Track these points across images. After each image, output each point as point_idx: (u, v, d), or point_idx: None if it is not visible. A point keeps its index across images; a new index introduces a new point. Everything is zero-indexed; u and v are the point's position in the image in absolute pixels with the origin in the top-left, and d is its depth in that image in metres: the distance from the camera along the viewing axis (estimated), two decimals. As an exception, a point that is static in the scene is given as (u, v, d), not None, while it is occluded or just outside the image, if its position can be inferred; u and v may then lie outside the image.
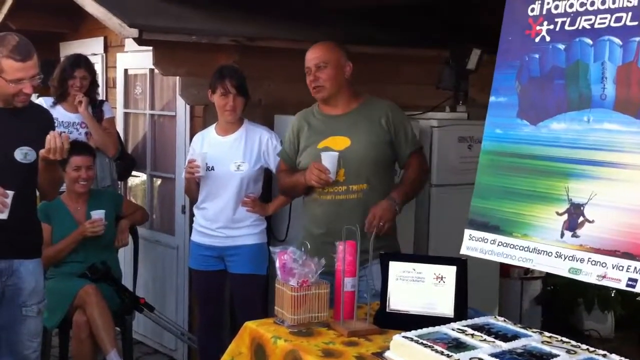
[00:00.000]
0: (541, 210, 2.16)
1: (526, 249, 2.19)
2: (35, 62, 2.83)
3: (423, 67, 4.59)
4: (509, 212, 2.25)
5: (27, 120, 2.93)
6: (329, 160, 2.98)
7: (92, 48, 5.30)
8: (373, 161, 3.05)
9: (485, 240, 2.31)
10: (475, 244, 2.34)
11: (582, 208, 2.06)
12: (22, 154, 2.90)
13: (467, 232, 2.37)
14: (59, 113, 4.22)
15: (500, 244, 2.26)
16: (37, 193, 3.15)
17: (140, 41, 3.77)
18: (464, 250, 2.37)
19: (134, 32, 3.69)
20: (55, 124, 4.11)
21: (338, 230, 2.55)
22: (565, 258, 2.09)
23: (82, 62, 4.38)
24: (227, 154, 3.57)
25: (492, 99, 2.37)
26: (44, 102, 4.18)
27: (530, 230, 2.19)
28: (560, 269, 2.10)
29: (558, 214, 2.12)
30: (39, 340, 3.10)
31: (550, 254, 2.13)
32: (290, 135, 3.26)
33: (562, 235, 2.10)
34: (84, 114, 4.28)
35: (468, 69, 4.15)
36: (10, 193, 2.76)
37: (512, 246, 2.23)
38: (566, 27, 2.16)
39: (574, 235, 2.07)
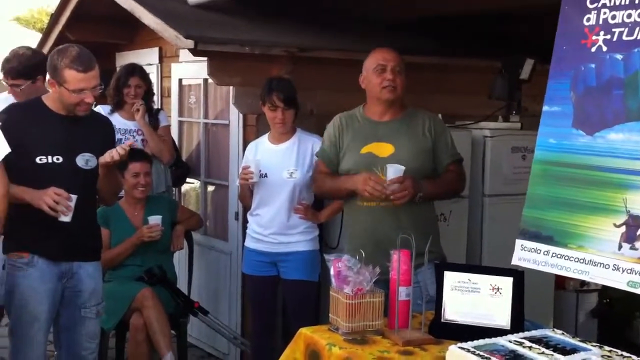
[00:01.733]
0: (598, 221, 2.14)
1: (582, 261, 2.17)
2: (97, 73, 2.92)
3: (474, 77, 4.57)
4: (563, 223, 2.23)
5: (89, 127, 3.02)
6: (394, 173, 2.94)
7: (147, 58, 5.42)
8: (416, 169, 3.04)
9: (539, 251, 2.29)
10: (528, 255, 2.32)
11: (641, 220, 2.03)
12: (83, 160, 2.99)
13: (519, 242, 2.35)
14: (116, 120, 4.32)
15: (554, 255, 2.24)
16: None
17: (195, 52, 3.86)
18: (515, 261, 2.36)
19: (190, 43, 3.77)
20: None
21: (380, 237, 2.55)
22: (623, 271, 2.06)
23: (136, 71, 4.50)
24: (280, 162, 3.62)
25: (545, 108, 2.36)
26: (102, 109, 4.30)
27: (586, 241, 2.16)
28: (619, 282, 2.07)
29: (615, 225, 2.09)
30: (97, 342, 3.19)
31: (607, 267, 2.10)
32: (332, 137, 3.22)
33: (620, 247, 2.07)
34: (140, 122, 4.39)
35: (521, 79, 4.12)
36: (74, 197, 2.85)
37: (567, 257, 2.21)
38: (624, 37, 2.14)
39: (632, 248, 2.05)
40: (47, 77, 2.95)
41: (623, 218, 2.08)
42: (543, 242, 2.28)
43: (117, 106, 4.45)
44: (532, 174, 2.37)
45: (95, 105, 4.47)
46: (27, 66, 3.80)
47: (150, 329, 3.72)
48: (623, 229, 2.08)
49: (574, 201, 2.22)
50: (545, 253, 2.27)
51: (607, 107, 2.17)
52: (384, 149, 3.08)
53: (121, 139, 4.33)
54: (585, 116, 2.23)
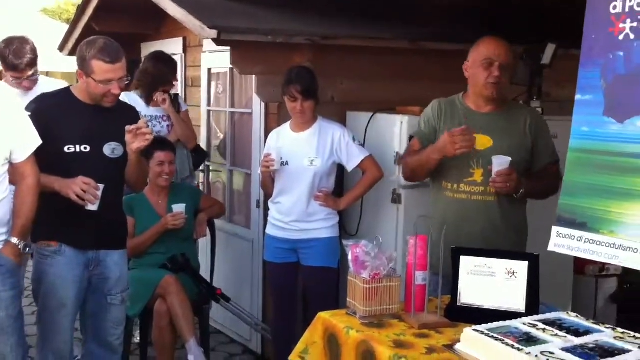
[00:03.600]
0: (628, 207, 2.17)
1: (612, 246, 2.19)
2: (124, 65, 2.97)
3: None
4: (597, 210, 2.26)
5: (115, 116, 3.06)
6: (500, 165, 2.87)
7: (172, 48, 5.49)
8: (512, 165, 2.91)
9: (573, 237, 2.32)
10: (563, 241, 2.35)
11: (670, 205, 2.04)
12: (110, 149, 3.05)
13: (555, 229, 2.38)
14: (142, 107, 4.39)
15: (587, 240, 2.28)
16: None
17: (218, 42, 3.90)
18: (551, 247, 2.39)
19: (213, 33, 3.81)
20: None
21: (466, 233, 2.55)
22: None
23: (175, 63, 4.63)
24: (301, 150, 3.66)
25: (577, 97, 2.37)
26: (126, 97, 4.32)
27: (617, 227, 2.19)
28: None
29: None
30: (122, 328, 3.26)
31: (636, 251, 2.13)
32: (431, 118, 3.09)
33: None
34: (169, 109, 4.46)
35: (542, 64, 4.10)
36: (101, 186, 2.91)
37: (598, 243, 2.24)
38: None
39: None
40: (77, 68, 3.01)
41: None
42: (577, 229, 2.31)
43: (149, 98, 4.48)
44: (568, 161, 2.40)
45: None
46: (37, 55, 3.90)
47: (173, 316, 3.77)
48: None
49: (607, 188, 2.24)
50: (579, 239, 2.30)
51: (636, 95, 2.18)
52: (482, 142, 2.96)
53: (148, 127, 4.40)
54: (616, 104, 2.25)
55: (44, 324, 3.06)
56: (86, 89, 3.00)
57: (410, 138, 3.38)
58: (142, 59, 6.17)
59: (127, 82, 3.04)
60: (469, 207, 2.97)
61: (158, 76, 4.46)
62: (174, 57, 5.21)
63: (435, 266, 2.55)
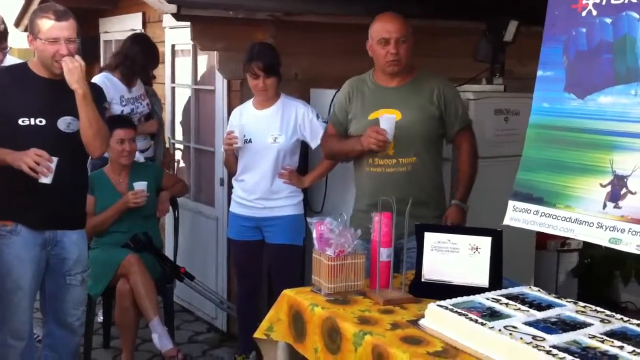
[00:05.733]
0: (585, 182, 2.19)
1: (568, 220, 2.22)
2: (72, 25, 2.89)
3: (460, 39, 4.56)
4: (554, 184, 2.29)
5: (71, 90, 2.93)
6: (387, 123, 3.01)
7: (130, 24, 5.38)
8: (422, 135, 3.10)
9: (528, 211, 2.34)
10: (519, 215, 2.38)
11: (625, 180, 2.08)
12: (65, 123, 2.97)
13: (511, 204, 2.41)
14: (123, 91, 4.32)
15: (542, 214, 2.30)
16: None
17: (178, 17, 3.82)
18: (507, 221, 2.41)
19: (173, 7, 3.74)
20: (124, 103, 4.25)
21: (386, 202, 2.58)
22: (606, 228, 2.11)
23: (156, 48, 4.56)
24: (264, 127, 3.63)
25: (539, 73, 2.39)
26: (105, 79, 4.23)
27: (573, 201, 2.22)
28: (601, 239, 2.13)
29: (601, 185, 2.14)
30: (82, 309, 3.22)
31: (591, 225, 2.16)
32: (342, 102, 3.27)
33: (605, 206, 2.12)
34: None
35: (505, 41, 4.11)
36: (55, 159, 2.84)
37: (554, 217, 2.27)
38: (612, 1, 2.16)
39: (616, 207, 2.09)
40: (27, 34, 2.94)
41: (609, 178, 2.13)
42: (533, 203, 2.34)
43: (130, 82, 4.38)
44: (527, 137, 2.42)
45: (100, 72, 4.45)
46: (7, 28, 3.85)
47: (136, 295, 3.74)
48: (608, 188, 2.13)
49: (564, 163, 2.26)
50: (535, 213, 2.32)
51: (597, 71, 2.20)
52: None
53: (132, 109, 4.35)
54: (577, 80, 2.27)
55: (2, 305, 3.01)
56: (39, 58, 2.93)
57: None
58: (100, 35, 6.07)
59: (76, 44, 2.92)
60: (385, 179, 3.10)
61: (138, 61, 4.38)
62: (132, 32, 5.11)
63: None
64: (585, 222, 2.17)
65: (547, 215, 2.28)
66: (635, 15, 2.09)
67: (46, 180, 2.83)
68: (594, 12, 2.21)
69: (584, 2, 2.24)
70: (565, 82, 2.29)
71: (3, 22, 3.97)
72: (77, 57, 2.89)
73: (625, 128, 2.11)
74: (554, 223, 2.26)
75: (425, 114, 3.11)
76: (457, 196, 3.21)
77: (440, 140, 3.24)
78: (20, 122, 2.90)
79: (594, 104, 2.20)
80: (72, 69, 2.85)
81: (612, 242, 2.09)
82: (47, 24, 2.85)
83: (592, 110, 2.20)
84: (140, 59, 4.38)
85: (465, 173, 3.24)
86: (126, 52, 4.40)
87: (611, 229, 2.09)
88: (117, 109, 4.26)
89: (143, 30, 5.39)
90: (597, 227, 2.14)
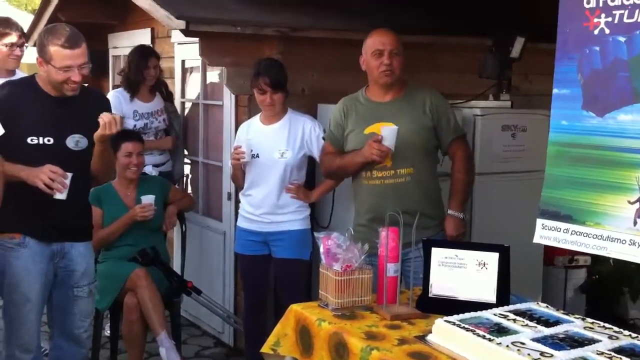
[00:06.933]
0: (612, 199, 2.20)
1: (600, 237, 2.23)
2: (84, 51, 2.89)
3: (465, 55, 4.58)
4: (580, 202, 2.30)
5: (79, 107, 2.99)
6: (389, 133, 3.05)
7: (139, 39, 5.40)
8: (419, 146, 3.16)
9: (559, 229, 2.36)
10: (549, 233, 2.39)
11: (653, 197, 2.08)
12: (73, 141, 2.99)
13: (540, 222, 2.42)
14: (137, 105, 4.42)
15: (573, 232, 2.31)
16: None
17: (187, 32, 3.85)
18: (537, 239, 2.42)
19: (181, 23, 3.76)
20: (137, 117, 4.29)
21: (384, 215, 2.60)
22: (639, 246, 2.12)
23: (152, 52, 4.62)
24: (271, 142, 3.64)
25: (555, 91, 2.40)
26: (119, 95, 4.35)
27: (602, 218, 2.23)
28: (635, 256, 2.14)
29: (630, 202, 2.15)
30: (90, 320, 3.22)
31: (624, 242, 2.17)
32: (338, 118, 3.33)
33: (635, 223, 2.13)
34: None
35: (512, 57, 4.13)
36: (69, 174, 2.86)
37: (585, 234, 2.28)
38: (625, 20, 2.17)
39: None
40: (37, 56, 2.95)
41: (636, 195, 2.14)
42: (563, 221, 2.35)
43: (135, 91, 4.48)
44: (548, 155, 2.43)
45: (113, 89, 4.53)
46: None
47: (144, 309, 3.74)
48: (637, 205, 2.14)
49: (589, 180, 2.28)
50: (565, 231, 2.34)
51: (614, 89, 2.22)
52: None
53: (146, 124, 4.39)
54: (594, 98, 2.28)
55: (10, 317, 3.02)
56: (47, 78, 2.93)
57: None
58: (109, 50, 6.12)
59: (88, 69, 2.93)
60: (384, 190, 3.15)
61: (132, 69, 4.47)
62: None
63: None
64: (618, 239, 2.18)
65: (579, 233, 2.30)
66: (650, 33, 2.10)
67: (61, 196, 2.85)
68: (607, 31, 2.22)
69: (595, 20, 2.25)
70: (582, 100, 2.31)
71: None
72: (116, 115, 2.96)
73: None
74: (586, 241, 2.28)
75: (420, 125, 3.18)
76: (451, 206, 3.22)
77: (436, 150, 3.29)
78: (28, 140, 2.92)
79: (613, 122, 2.22)
80: (109, 126, 2.91)
81: None
82: (60, 53, 2.84)
83: (613, 128, 2.22)
84: (134, 60, 4.48)
85: (459, 180, 3.25)
86: (126, 63, 4.50)
87: None
88: (130, 123, 4.32)
89: (152, 46, 5.44)
90: (630, 244, 2.15)
